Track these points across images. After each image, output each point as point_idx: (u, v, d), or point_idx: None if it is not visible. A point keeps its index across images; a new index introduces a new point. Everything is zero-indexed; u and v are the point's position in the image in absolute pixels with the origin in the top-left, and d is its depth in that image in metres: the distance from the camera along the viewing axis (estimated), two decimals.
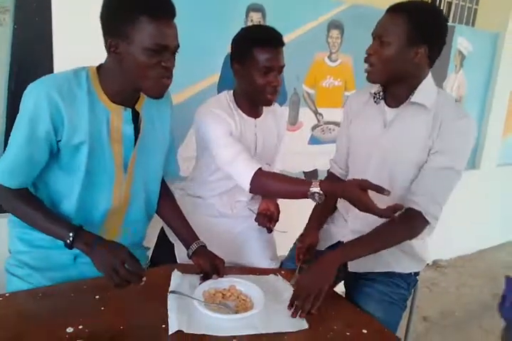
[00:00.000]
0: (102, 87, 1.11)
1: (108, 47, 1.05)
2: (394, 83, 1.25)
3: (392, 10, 1.21)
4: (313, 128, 2.56)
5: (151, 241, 1.52)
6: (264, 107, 1.52)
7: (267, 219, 1.54)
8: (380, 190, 1.04)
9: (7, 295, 1.09)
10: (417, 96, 1.23)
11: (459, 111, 1.24)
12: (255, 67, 1.34)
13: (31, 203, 1.12)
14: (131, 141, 1.17)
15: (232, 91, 1.48)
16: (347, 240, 1.30)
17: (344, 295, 1.38)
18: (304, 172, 2.53)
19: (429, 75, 1.27)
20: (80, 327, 0.96)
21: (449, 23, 3.06)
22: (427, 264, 3.27)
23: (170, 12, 1.03)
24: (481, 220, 3.51)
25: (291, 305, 1.10)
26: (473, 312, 2.71)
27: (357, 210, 1.12)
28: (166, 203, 1.38)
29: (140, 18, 1.00)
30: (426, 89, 1.25)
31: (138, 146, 1.19)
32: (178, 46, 1.07)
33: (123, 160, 1.18)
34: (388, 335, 1.08)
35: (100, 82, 1.11)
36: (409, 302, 1.42)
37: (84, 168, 1.11)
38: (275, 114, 1.59)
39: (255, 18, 2.10)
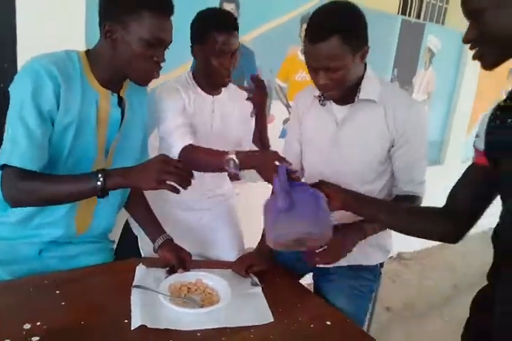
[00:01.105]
0: (91, 70, 1.11)
1: (104, 31, 1.06)
2: None
3: (319, 37, 1.09)
4: (285, 121, 2.56)
5: (115, 235, 1.49)
6: (227, 88, 1.53)
7: None
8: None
9: None
10: (363, 92, 1.23)
11: (407, 99, 1.28)
12: (211, 49, 1.37)
13: (46, 178, 1.04)
14: (116, 125, 1.17)
15: (191, 72, 1.50)
16: None
17: (312, 288, 1.40)
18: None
19: (368, 67, 1.26)
20: (38, 323, 0.93)
21: (420, 21, 3.13)
22: (391, 257, 3.37)
23: (170, 9, 1.09)
24: None
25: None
26: (433, 303, 2.81)
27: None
28: (136, 198, 1.36)
29: (142, 12, 1.03)
30: (370, 84, 1.24)
31: (121, 131, 1.18)
32: (171, 41, 1.11)
33: (105, 144, 1.16)
34: (351, 326, 1.10)
35: (90, 66, 1.11)
36: (373, 293, 1.46)
37: (68, 149, 1.09)
38: (239, 96, 1.58)
39: (228, 8, 2.07)
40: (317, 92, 1.29)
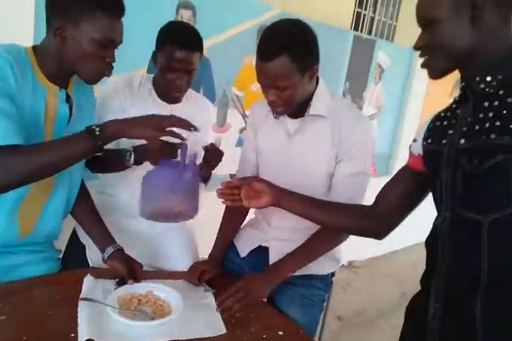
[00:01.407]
0: (38, 66, 1.09)
1: (53, 28, 1.05)
2: None
3: (268, 55, 1.10)
4: (241, 130, 2.57)
5: (61, 244, 1.43)
6: (188, 97, 1.52)
7: None
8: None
9: None
10: (314, 107, 1.25)
11: (355, 114, 1.30)
12: (165, 62, 1.35)
13: (34, 147, 0.99)
14: (64, 121, 1.14)
15: (152, 76, 1.48)
16: (270, 246, 1.38)
17: (265, 299, 1.40)
18: (230, 175, 2.53)
19: (320, 82, 1.28)
20: None
21: (371, 37, 3.26)
22: (343, 265, 3.44)
23: (122, 10, 1.10)
24: None
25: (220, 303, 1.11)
26: (382, 310, 2.89)
27: (279, 220, 1.25)
28: (83, 203, 1.31)
29: (95, 12, 1.04)
30: (320, 99, 1.26)
31: (68, 129, 1.14)
32: (121, 42, 1.13)
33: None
34: (303, 336, 1.11)
35: (37, 61, 1.09)
36: (324, 303, 1.48)
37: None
38: (201, 106, 1.56)
39: (185, 16, 2.07)
40: None
